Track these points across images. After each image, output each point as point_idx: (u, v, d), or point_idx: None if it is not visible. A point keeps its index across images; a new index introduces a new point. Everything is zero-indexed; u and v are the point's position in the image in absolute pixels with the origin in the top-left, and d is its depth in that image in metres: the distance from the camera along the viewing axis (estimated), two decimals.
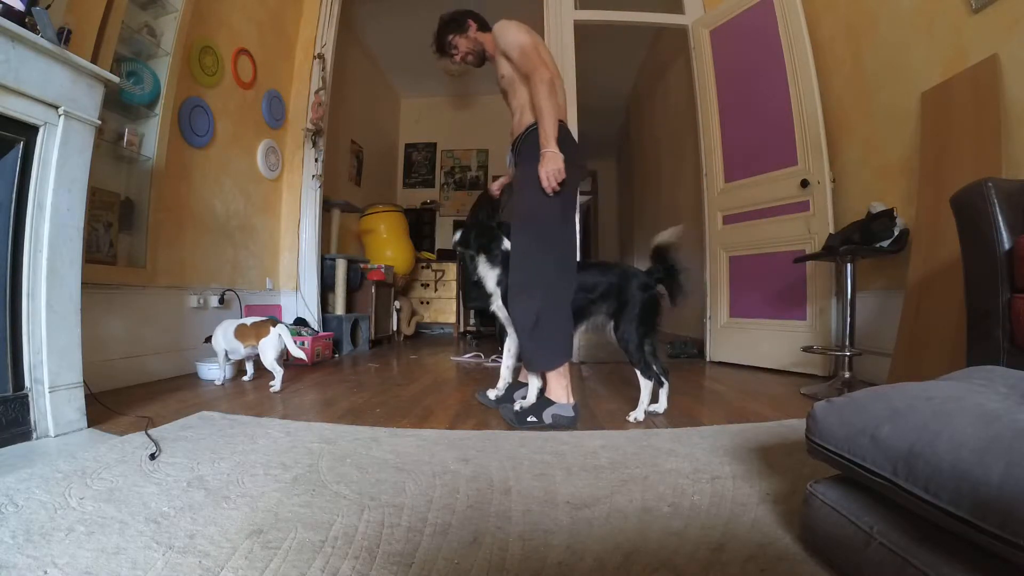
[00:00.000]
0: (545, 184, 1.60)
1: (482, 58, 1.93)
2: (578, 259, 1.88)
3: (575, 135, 3.26)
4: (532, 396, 1.70)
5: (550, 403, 1.64)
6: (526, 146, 1.73)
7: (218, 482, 1.06)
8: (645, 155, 5.83)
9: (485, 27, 1.91)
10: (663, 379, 1.73)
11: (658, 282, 1.70)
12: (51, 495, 0.97)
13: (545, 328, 1.63)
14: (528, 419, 1.61)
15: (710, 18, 3.23)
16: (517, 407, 1.66)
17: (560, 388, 1.65)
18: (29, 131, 1.37)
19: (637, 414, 1.65)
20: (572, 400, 1.66)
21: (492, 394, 1.91)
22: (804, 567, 0.74)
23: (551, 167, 1.58)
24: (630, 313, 1.65)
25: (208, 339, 2.29)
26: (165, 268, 2.46)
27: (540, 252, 1.65)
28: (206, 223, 2.77)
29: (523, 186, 1.68)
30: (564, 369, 1.66)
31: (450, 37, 1.90)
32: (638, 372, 1.67)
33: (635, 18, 3.50)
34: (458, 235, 1.90)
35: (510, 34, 1.71)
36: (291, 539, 0.82)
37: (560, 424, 1.60)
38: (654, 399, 1.72)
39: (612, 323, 1.70)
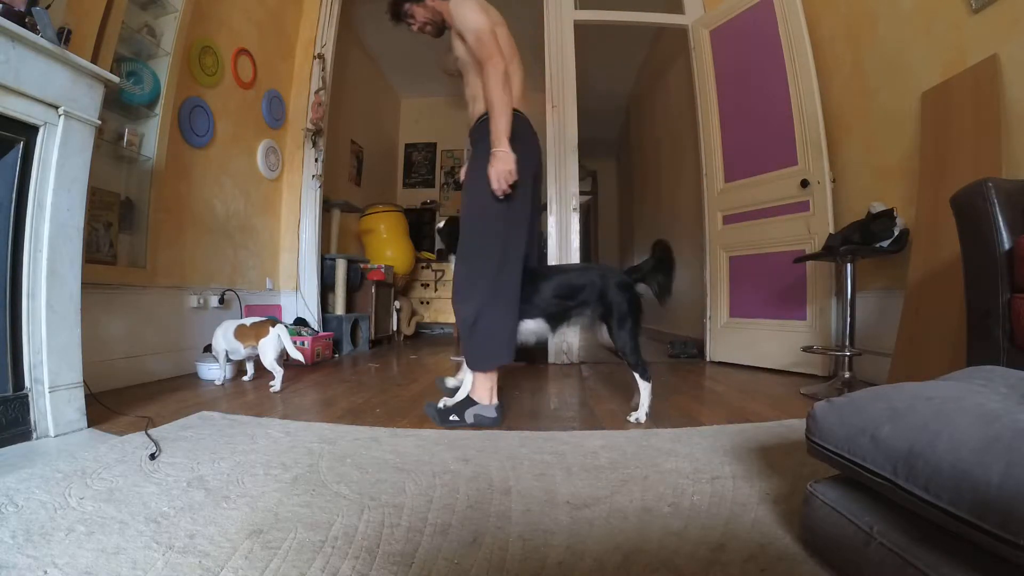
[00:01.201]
0: (495, 186, 1.53)
1: (441, 28, 1.83)
2: (536, 258, 1.84)
3: (575, 135, 3.29)
4: (462, 394, 1.68)
5: (473, 403, 1.62)
6: (478, 137, 1.67)
7: (218, 482, 1.06)
8: (645, 155, 5.83)
9: None
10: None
11: (637, 281, 1.70)
12: (51, 495, 0.97)
13: (484, 328, 1.59)
14: (451, 418, 1.60)
15: (710, 18, 3.23)
16: (441, 405, 1.64)
17: (484, 389, 1.63)
18: (29, 131, 1.37)
19: (639, 415, 1.65)
20: (495, 401, 1.64)
21: (451, 382, 1.90)
22: (804, 567, 0.74)
23: (501, 168, 1.51)
24: (620, 316, 1.65)
25: (208, 348, 2.30)
26: (165, 268, 2.46)
27: (483, 250, 1.61)
28: (206, 223, 2.77)
29: (470, 182, 1.64)
30: (493, 371, 1.64)
31: (406, 5, 1.80)
32: (636, 375, 1.67)
33: (635, 18, 3.49)
34: (443, 223, 1.88)
35: (466, 13, 1.61)
36: (291, 539, 0.82)
37: (482, 424, 1.58)
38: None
39: (604, 327, 1.70)
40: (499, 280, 1.59)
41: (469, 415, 1.59)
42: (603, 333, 1.72)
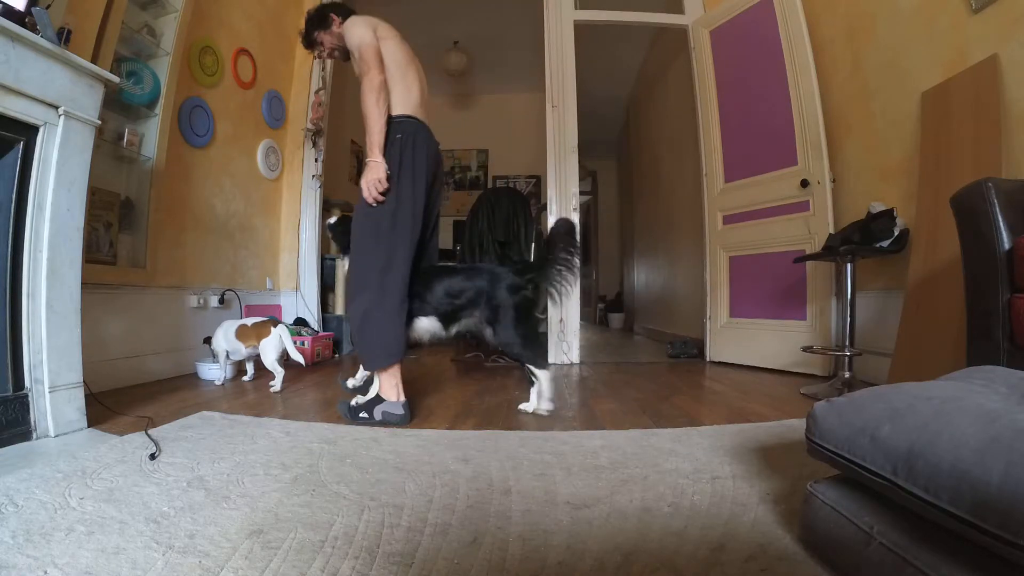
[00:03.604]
0: (365, 194, 1.62)
1: (347, 52, 1.87)
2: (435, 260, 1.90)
3: (575, 135, 3.29)
4: (372, 392, 1.73)
5: (381, 400, 1.67)
6: None
7: (218, 482, 1.06)
8: (645, 155, 5.83)
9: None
10: (534, 378, 1.79)
11: (530, 283, 1.74)
12: (51, 495, 0.97)
13: (371, 329, 1.64)
14: (360, 415, 1.65)
15: (710, 18, 3.23)
16: (353, 403, 1.70)
17: (390, 387, 1.67)
18: (29, 131, 1.37)
19: (545, 405, 1.71)
20: (402, 398, 1.67)
21: (351, 383, 1.94)
22: (804, 567, 0.74)
23: (371, 177, 1.60)
24: (505, 318, 1.70)
25: (207, 340, 2.30)
26: (165, 268, 2.46)
27: (368, 252, 1.66)
28: (206, 223, 2.77)
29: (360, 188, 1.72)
30: (394, 369, 1.68)
31: (316, 34, 1.87)
32: (532, 367, 1.73)
33: (635, 18, 3.49)
34: (334, 219, 1.92)
35: (354, 32, 1.70)
36: (291, 539, 0.82)
37: (390, 421, 1.63)
38: (526, 398, 1.80)
39: (490, 330, 1.73)
40: (386, 280, 1.64)
41: (377, 412, 1.64)
42: (488, 334, 1.76)
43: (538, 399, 1.76)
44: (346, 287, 1.72)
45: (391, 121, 1.66)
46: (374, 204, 1.63)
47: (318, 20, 1.86)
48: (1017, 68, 1.73)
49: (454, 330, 1.78)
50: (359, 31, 1.68)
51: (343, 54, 1.88)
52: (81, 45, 1.71)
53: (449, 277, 1.76)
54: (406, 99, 1.72)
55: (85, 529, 0.84)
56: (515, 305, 1.70)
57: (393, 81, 1.68)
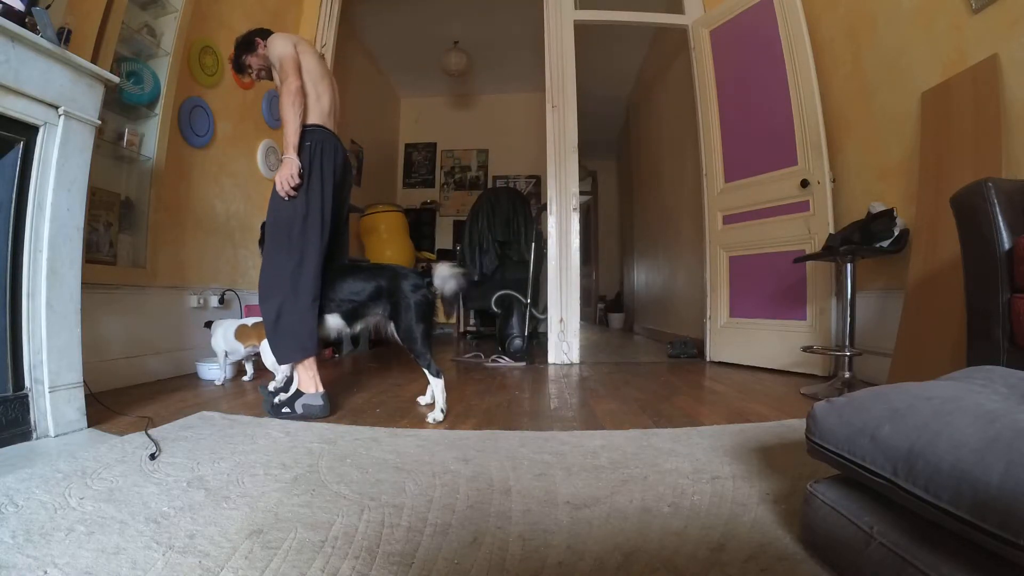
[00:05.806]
0: (279, 188, 1.69)
1: (271, 71, 1.99)
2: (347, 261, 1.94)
3: (575, 135, 3.29)
4: (293, 387, 1.77)
5: (301, 394, 1.72)
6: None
7: (218, 482, 1.06)
8: (645, 155, 5.83)
9: None
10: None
11: (429, 285, 1.77)
12: (51, 495, 0.97)
13: (285, 324, 1.71)
14: (283, 411, 1.71)
15: (710, 18, 3.23)
16: (276, 400, 1.74)
17: (308, 379, 1.73)
18: (29, 131, 1.37)
19: (435, 415, 1.68)
20: (320, 389, 1.73)
21: (272, 385, 1.94)
22: (804, 567, 0.74)
23: (284, 172, 1.68)
24: (407, 312, 1.72)
25: (208, 323, 2.30)
26: (165, 268, 2.46)
27: (280, 253, 1.72)
28: (206, 223, 2.76)
29: (272, 190, 1.77)
30: (310, 362, 1.73)
31: (244, 57, 1.97)
32: (428, 372, 1.73)
33: (635, 18, 3.50)
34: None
35: (275, 47, 1.81)
36: (291, 539, 0.82)
37: (311, 413, 1.68)
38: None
39: (392, 324, 1.76)
40: (298, 277, 1.71)
41: (298, 406, 1.70)
42: (391, 330, 1.78)
43: (433, 407, 1.73)
44: (259, 286, 1.76)
45: (302, 129, 1.73)
46: (286, 199, 1.69)
47: (245, 45, 1.96)
48: (1017, 68, 1.73)
49: (358, 327, 1.82)
50: (281, 44, 1.79)
51: (268, 74, 1.98)
52: (81, 45, 1.71)
53: (353, 276, 1.79)
54: (316, 108, 1.81)
55: (85, 529, 0.84)
56: (416, 303, 1.72)
57: (307, 91, 1.78)
